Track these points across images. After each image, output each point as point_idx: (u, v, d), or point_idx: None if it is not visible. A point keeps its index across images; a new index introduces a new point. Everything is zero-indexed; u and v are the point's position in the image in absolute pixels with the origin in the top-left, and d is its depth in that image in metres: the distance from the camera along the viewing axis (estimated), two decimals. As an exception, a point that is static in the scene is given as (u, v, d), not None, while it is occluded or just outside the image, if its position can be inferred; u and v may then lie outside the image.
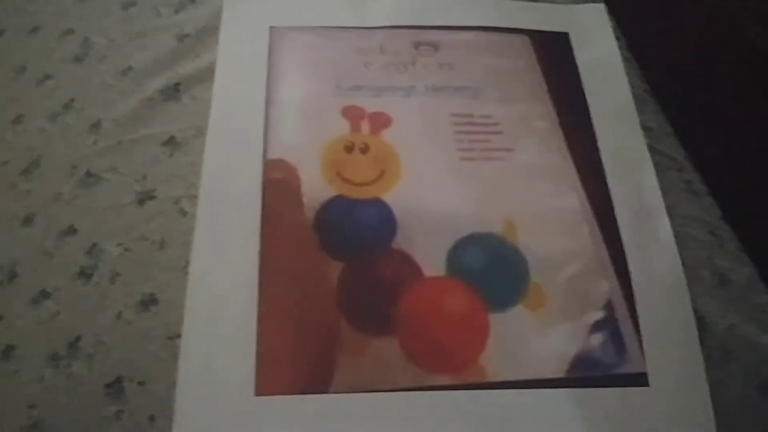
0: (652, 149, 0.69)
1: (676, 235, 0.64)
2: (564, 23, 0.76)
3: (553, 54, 0.74)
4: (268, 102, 0.66)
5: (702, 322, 0.60)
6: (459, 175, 0.64)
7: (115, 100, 0.67)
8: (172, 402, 0.52)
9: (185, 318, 0.55)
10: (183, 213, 0.60)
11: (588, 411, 0.55)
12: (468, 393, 0.55)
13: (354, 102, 0.67)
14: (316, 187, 0.62)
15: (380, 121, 0.66)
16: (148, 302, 0.56)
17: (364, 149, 0.65)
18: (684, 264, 0.62)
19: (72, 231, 0.60)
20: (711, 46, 0.84)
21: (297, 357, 0.55)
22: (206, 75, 0.68)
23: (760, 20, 0.77)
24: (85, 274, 0.58)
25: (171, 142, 0.64)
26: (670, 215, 0.65)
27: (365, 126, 0.66)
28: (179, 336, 0.54)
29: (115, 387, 0.53)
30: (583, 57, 0.74)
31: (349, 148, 0.64)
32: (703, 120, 0.81)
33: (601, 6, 0.80)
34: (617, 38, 0.78)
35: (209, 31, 0.71)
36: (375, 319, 0.57)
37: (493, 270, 0.60)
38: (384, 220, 0.61)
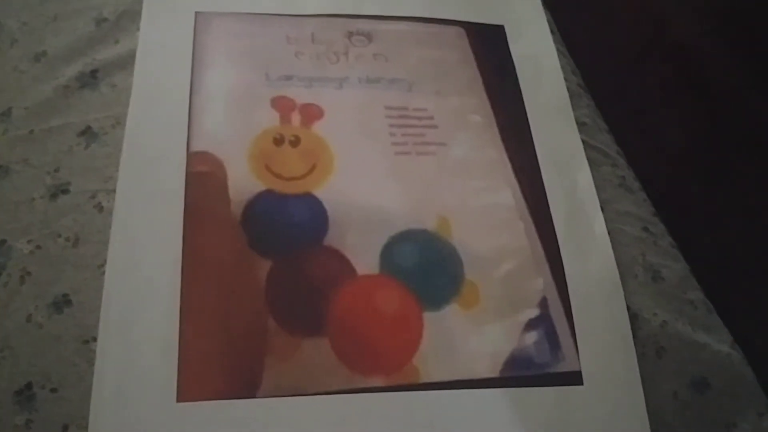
0: (586, 144, 0.69)
1: (610, 231, 0.64)
2: (499, 16, 0.76)
3: (489, 47, 0.73)
4: (193, 91, 0.63)
5: (635, 319, 0.60)
6: (393, 169, 0.63)
7: (28, 87, 0.64)
8: (87, 410, 0.49)
9: (101, 320, 0.52)
10: (99, 208, 0.57)
11: (522, 411, 0.55)
12: (402, 395, 0.54)
13: (284, 92, 0.65)
14: (243, 182, 0.59)
15: (312, 113, 0.64)
16: (61, 303, 0.53)
17: (295, 142, 0.62)
18: (618, 260, 0.62)
19: (-22, 227, 0.57)
20: (641, 41, 0.85)
21: (222, 360, 0.53)
22: (126, 62, 0.65)
23: (686, 18, 0.78)
24: (-8, 273, 0.54)
25: (87, 132, 0.61)
26: (604, 211, 0.65)
27: (296, 118, 0.64)
28: (95, 339, 0.52)
29: (25, 394, 0.50)
30: (518, 50, 0.73)
31: (278, 141, 0.62)
32: (633, 115, 0.82)
33: (537, -1, 0.80)
34: (552, 32, 0.78)
35: (129, 16, 0.68)
36: (305, 320, 0.55)
37: (427, 268, 0.59)
38: (315, 216, 0.59)
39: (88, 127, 0.61)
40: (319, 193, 0.60)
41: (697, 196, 0.74)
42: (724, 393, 0.59)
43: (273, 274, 0.56)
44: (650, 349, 0.59)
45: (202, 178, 0.59)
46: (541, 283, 0.60)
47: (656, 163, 0.76)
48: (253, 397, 0.52)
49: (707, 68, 0.75)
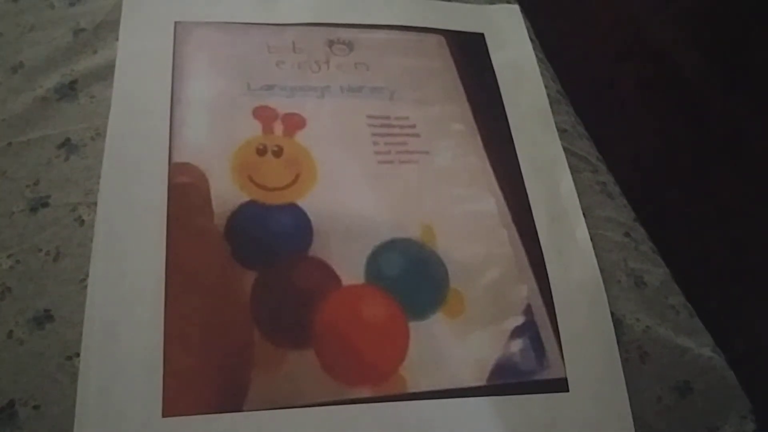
0: (566, 151, 0.70)
1: (592, 237, 0.64)
2: (479, 24, 0.76)
3: (469, 55, 0.73)
4: (174, 102, 0.62)
5: (619, 325, 0.60)
6: (376, 178, 0.63)
7: (5, 99, 0.63)
8: (71, 427, 0.49)
9: (84, 335, 0.52)
10: (80, 221, 0.56)
11: (509, 419, 0.55)
12: (389, 405, 0.54)
13: (266, 102, 0.65)
14: (226, 193, 0.59)
15: (294, 123, 0.64)
16: (43, 319, 0.52)
17: (278, 152, 0.62)
18: (600, 266, 0.63)
19: (-43, 242, 0.55)
20: (618, 48, 0.86)
21: (207, 374, 0.52)
22: (105, 72, 0.64)
23: (662, 24, 0.79)
24: (-29, 289, 0.53)
25: (66, 144, 0.60)
26: (586, 217, 0.66)
27: (278, 128, 0.63)
28: (78, 355, 0.51)
29: (7, 412, 0.49)
30: (498, 58, 0.73)
31: (261, 151, 0.62)
32: (612, 121, 0.82)
33: (516, 7, 0.80)
34: (531, 39, 0.78)
35: (108, 26, 0.67)
36: (291, 331, 0.55)
37: (412, 277, 0.59)
38: (299, 226, 0.59)
39: (68, 139, 0.60)
40: (303, 203, 0.60)
41: (677, 200, 0.75)
42: (707, 396, 0.59)
43: (258, 285, 0.56)
44: (634, 354, 0.59)
45: (185, 190, 0.58)
46: (525, 290, 0.60)
47: (636, 168, 0.77)
48: (240, 410, 0.51)
49: (684, 73, 0.76)
